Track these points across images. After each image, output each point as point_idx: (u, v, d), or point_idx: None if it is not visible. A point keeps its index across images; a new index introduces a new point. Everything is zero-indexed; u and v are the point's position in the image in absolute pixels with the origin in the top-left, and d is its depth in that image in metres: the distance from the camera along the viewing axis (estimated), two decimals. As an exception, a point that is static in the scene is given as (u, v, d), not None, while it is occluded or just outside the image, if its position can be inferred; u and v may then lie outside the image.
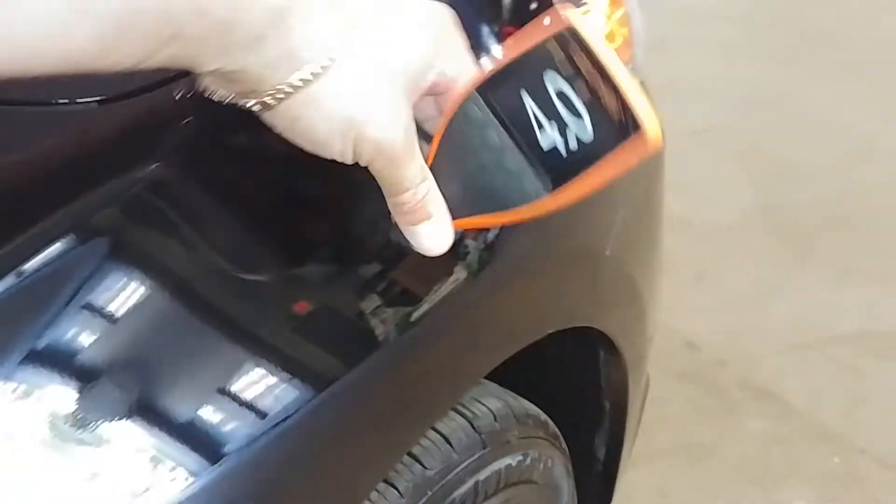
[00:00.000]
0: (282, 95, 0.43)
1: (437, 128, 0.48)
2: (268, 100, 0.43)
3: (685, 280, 1.98)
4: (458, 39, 0.48)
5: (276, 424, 0.51)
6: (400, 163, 0.46)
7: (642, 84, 0.42)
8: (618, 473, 1.22)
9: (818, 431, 1.70)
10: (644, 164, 0.94)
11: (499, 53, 0.48)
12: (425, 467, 0.71)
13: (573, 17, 0.46)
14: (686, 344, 1.85)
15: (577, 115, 0.46)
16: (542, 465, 0.87)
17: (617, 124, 0.46)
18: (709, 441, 1.66)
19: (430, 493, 0.71)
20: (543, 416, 0.90)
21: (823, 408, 1.76)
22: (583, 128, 0.46)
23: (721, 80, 3.00)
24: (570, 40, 0.45)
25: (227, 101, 0.45)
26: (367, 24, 0.44)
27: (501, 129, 0.47)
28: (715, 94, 2.87)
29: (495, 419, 0.80)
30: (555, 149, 0.46)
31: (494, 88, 0.47)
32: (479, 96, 0.47)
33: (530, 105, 0.46)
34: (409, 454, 0.70)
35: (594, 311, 0.84)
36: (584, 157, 0.46)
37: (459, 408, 0.77)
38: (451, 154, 0.47)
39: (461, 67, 0.48)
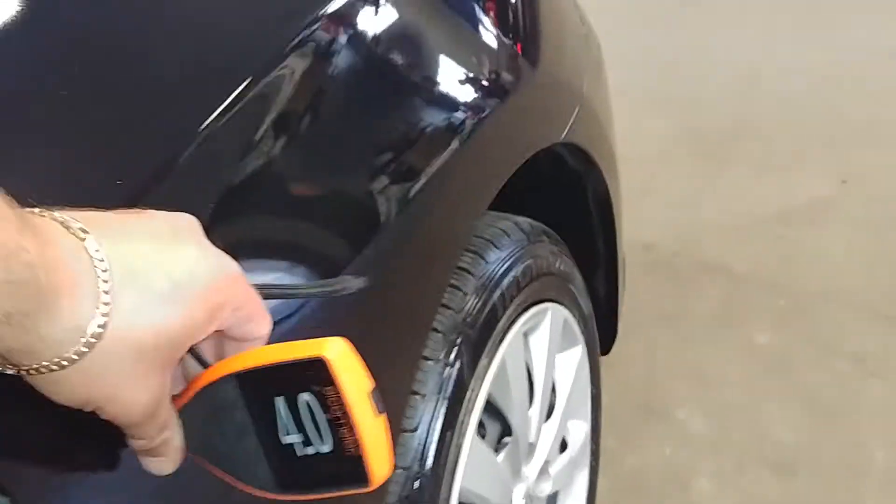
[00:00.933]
0: (23, 373, 0.41)
1: (193, 383, 0.50)
2: (9, 371, 0.41)
3: (633, 199, 2.35)
4: (238, 295, 0.47)
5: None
6: (137, 427, 0.46)
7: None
8: (618, 310, 1.57)
9: (762, 285, 2.09)
10: (594, 58, 1.31)
11: (265, 348, 0.50)
12: (498, 248, 1.05)
13: (337, 353, 0.47)
14: (643, 247, 2.23)
15: (319, 436, 0.47)
16: (560, 264, 1.21)
17: (349, 466, 0.47)
18: (678, 309, 2.03)
19: (506, 265, 1.05)
20: (556, 236, 1.24)
21: (762, 268, 2.15)
22: (320, 450, 0.48)
23: (625, 48, 3.45)
24: (328, 371, 0.47)
25: None
26: (123, 307, 0.42)
27: (247, 416, 0.49)
28: (626, 60, 3.31)
29: (531, 226, 1.15)
30: (292, 453, 0.48)
31: (252, 380, 0.48)
32: (236, 380, 0.48)
33: (280, 407, 0.48)
34: (483, 238, 1.04)
35: (577, 131, 1.15)
36: (313, 476, 0.49)
37: (508, 218, 1.11)
38: (203, 408, 0.50)
39: (246, 328, 0.49)
